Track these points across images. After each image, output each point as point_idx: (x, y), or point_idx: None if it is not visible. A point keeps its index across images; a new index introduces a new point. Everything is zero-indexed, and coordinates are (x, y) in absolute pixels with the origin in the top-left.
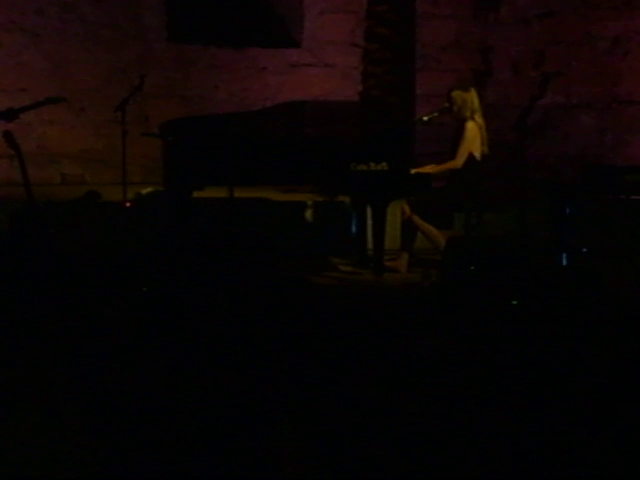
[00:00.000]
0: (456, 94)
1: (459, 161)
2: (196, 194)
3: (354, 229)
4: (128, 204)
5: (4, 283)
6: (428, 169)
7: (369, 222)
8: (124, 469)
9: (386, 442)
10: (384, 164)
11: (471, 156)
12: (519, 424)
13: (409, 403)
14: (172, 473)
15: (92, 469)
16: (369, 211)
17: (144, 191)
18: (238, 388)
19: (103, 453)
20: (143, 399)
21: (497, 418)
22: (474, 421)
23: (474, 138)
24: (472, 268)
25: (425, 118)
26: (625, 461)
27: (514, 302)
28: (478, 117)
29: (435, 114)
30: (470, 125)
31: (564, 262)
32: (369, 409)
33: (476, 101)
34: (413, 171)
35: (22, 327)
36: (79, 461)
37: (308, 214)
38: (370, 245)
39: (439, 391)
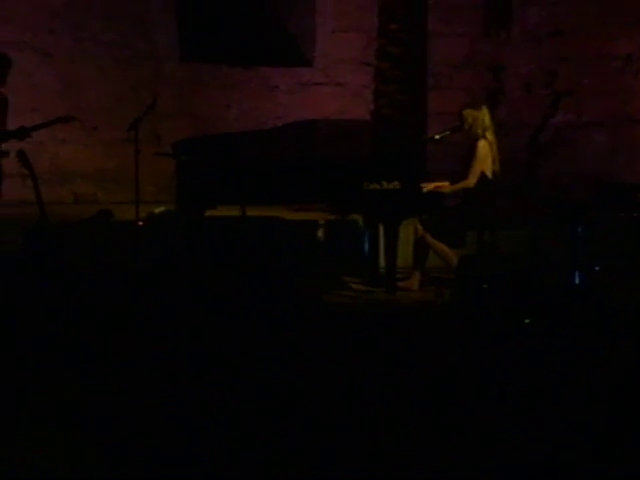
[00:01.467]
0: (467, 112)
1: (472, 180)
2: (208, 213)
3: (366, 248)
4: (141, 223)
5: (18, 301)
6: (441, 187)
7: (381, 241)
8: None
9: (398, 458)
10: (396, 183)
11: (483, 175)
12: (532, 440)
13: (422, 421)
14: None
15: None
16: (381, 230)
17: (157, 210)
18: (248, 405)
19: (102, 458)
20: (157, 416)
21: (509, 434)
22: (485, 437)
23: (486, 157)
24: (485, 287)
25: (437, 137)
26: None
27: (527, 320)
28: (490, 135)
29: (447, 132)
30: (482, 144)
31: (576, 280)
32: (382, 426)
33: (487, 119)
34: (425, 189)
35: (35, 344)
36: (78, 463)
37: (320, 233)
38: (382, 264)
39: (452, 409)
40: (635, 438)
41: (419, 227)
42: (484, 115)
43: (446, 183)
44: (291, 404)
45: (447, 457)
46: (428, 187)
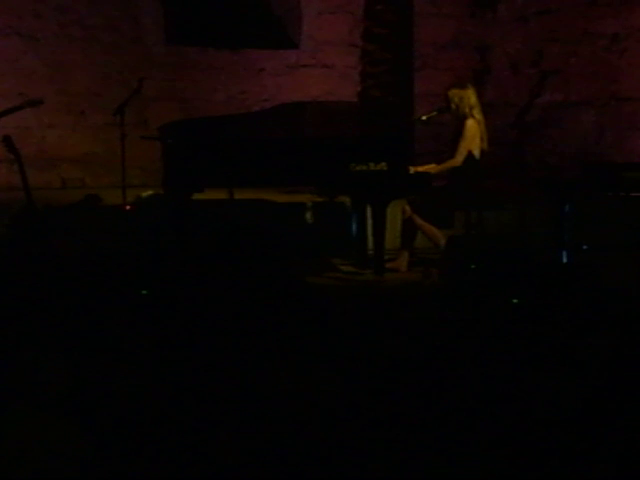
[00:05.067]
0: (453, 92)
1: (459, 159)
2: (196, 196)
3: (354, 229)
4: (128, 207)
5: (4, 287)
6: (428, 168)
7: (369, 222)
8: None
9: (386, 442)
10: (383, 164)
11: (470, 155)
12: (520, 422)
13: (410, 403)
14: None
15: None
16: (369, 211)
17: (144, 194)
18: (237, 390)
19: (100, 455)
20: (141, 400)
21: (498, 417)
22: (475, 420)
23: (473, 136)
24: (473, 267)
25: (424, 117)
26: (625, 462)
27: (515, 300)
28: (477, 113)
29: (434, 113)
30: (470, 123)
31: (564, 260)
32: (369, 409)
33: (474, 97)
34: (413, 170)
35: (21, 331)
36: (77, 462)
37: (308, 215)
38: (370, 245)
39: (440, 390)
40: (625, 417)
41: (407, 208)
42: (470, 94)
43: (432, 165)
44: (277, 390)
45: (435, 440)
46: (416, 169)
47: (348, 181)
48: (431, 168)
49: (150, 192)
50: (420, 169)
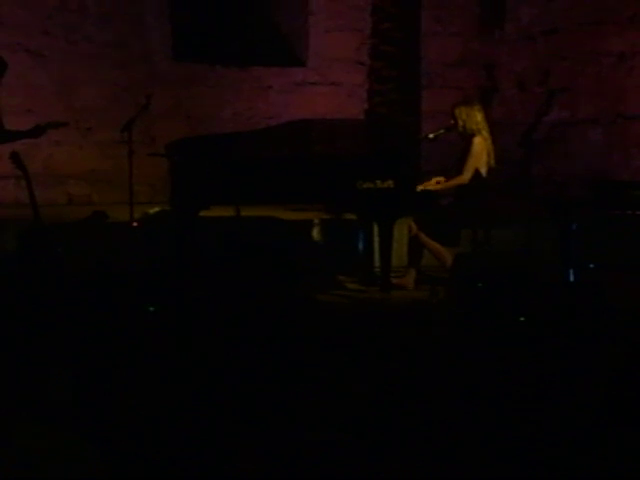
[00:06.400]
0: (459, 110)
1: (466, 176)
2: (203, 213)
3: (361, 247)
4: (135, 224)
5: (12, 303)
6: (435, 184)
7: (376, 240)
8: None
9: (391, 459)
10: (390, 182)
11: (477, 172)
12: (526, 439)
13: (416, 420)
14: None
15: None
16: (376, 229)
17: (151, 211)
18: (242, 405)
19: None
20: (145, 413)
21: (504, 433)
22: (480, 436)
23: (480, 153)
24: (479, 285)
25: (431, 136)
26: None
27: (522, 319)
28: (485, 131)
29: (441, 131)
30: (477, 140)
31: (571, 278)
32: (375, 424)
33: (480, 115)
34: (420, 188)
35: (28, 345)
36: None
37: (315, 232)
38: (377, 262)
39: (446, 407)
40: (631, 434)
41: (413, 225)
42: (477, 111)
43: (440, 178)
44: (286, 404)
45: (440, 455)
46: (432, 182)
47: (355, 199)
48: (438, 184)
49: (157, 209)
50: (428, 185)
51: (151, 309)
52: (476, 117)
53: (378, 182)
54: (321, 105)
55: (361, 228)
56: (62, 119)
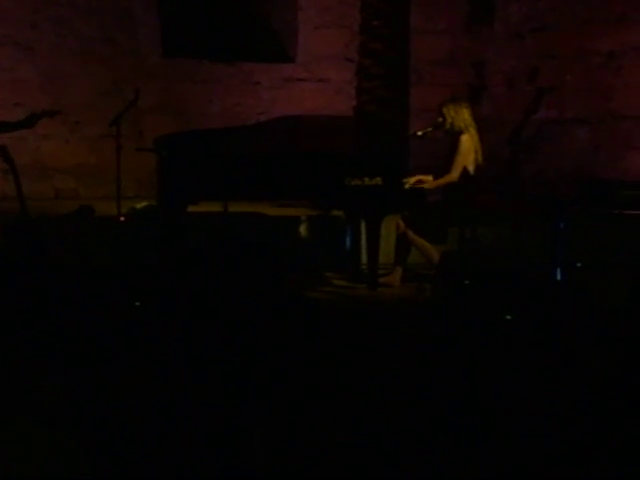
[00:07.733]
0: (447, 108)
1: (454, 175)
2: (190, 209)
3: (348, 243)
4: (122, 219)
5: None
6: (417, 182)
7: (363, 236)
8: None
9: (379, 455)
10: (378, 179)
11: (465, 170)
12: (513, 437)
13: (403, 417)
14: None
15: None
16: (363, 226)
17: (138, 206)
18: (231, 403)
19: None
20: (137, 412)
21: (491, 431)
22: (468, 433)
23: (468, 151)
24: (466, 283)
25: (419, 133)
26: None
27: (508, 317)
28: (472, 129)
29: (429, 129)
30: (464, 138)
31: (558, 277)
32: (363, 422)
33: (468, 113)
34: (408, 184)
35: (15, 341)
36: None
37: (302, 228)
38: (364, 259)
39: (432, 405)
40: (619, 435)
41: (401, 223)
42: (464, 109)
43: (430, 177)
44: (275, 401)
45: (431, 452)
46: (411, 181)
47: (343, 195)
48: (427, 182)
49: (144, 204)
50: (415, 182)
51: (137, 304)
52: (464, 115)
53: (366, 179)
54: (309, 101)
55: (348, 225)
56: None
